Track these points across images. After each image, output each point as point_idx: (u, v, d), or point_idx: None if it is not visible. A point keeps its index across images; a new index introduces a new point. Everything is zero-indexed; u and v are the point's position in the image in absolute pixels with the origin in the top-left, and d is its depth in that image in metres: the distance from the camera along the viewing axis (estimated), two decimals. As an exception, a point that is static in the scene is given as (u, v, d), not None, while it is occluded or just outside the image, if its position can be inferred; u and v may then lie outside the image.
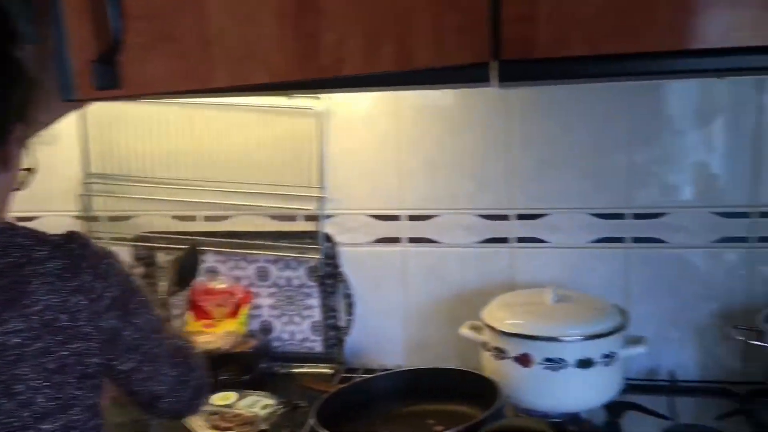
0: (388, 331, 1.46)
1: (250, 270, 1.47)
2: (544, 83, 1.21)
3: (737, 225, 1.31)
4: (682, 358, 1.36)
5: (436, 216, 1.41)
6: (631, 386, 1.32)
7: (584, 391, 1.16)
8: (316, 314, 1.46)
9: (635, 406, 1.22)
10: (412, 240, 1.43)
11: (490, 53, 0.97)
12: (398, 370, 1.21)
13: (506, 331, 1.16)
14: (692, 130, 1.30)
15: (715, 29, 0.90)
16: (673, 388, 1.30)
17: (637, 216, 1.34)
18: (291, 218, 1.45)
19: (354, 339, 1.47)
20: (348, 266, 1.45)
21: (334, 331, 1.47)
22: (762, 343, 1.15)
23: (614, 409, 1.22)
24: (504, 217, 1.39)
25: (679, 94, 1.29)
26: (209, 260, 1.47)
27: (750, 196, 1.29)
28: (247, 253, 1.46)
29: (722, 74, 1.11)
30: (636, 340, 1.21)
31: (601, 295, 1.34)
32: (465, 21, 0.92)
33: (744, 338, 1.15)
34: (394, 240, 1.43)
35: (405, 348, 1.46)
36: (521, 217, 1.38)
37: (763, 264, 1.31)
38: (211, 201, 1.45)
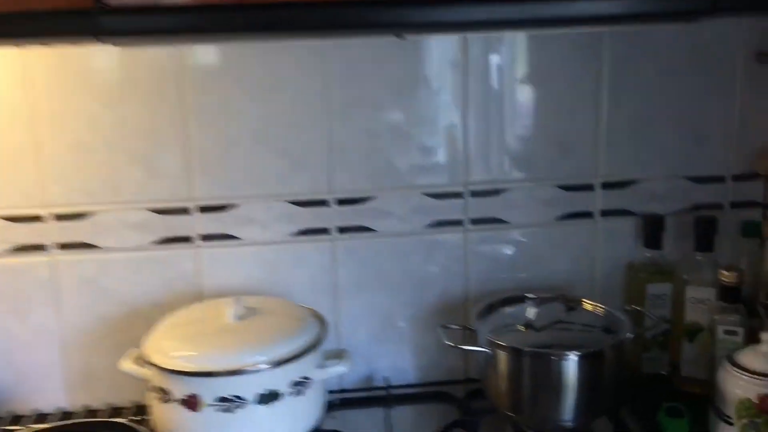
0: (40, 365, 1.12)
1: None
2: (162, 39, 0.94)
3: (450, 207, 1.15)
4: (399, 361, 1.20)
5: (92, 213, 1.09)
6: (345, 400, 1.15)
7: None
8: (-67, 354, 1.09)
9: (339, 434, 1.03)
10: (63, 246, 1.09)
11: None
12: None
13: (166, 367, 0.89)
14: (395, 103, 1.11)
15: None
16: (388, 397, 1.13)
17: (342, 202, 1.13)
18: None
19: (-8, 381, 1.12)
20: (-27, 287, 1.09)
21: (-40, 375, 1.10)
22: (473, 348, 1.00)
23: (318, 437, 1.02)
24: (184, 211, 1.11)
25: (376, 61, 1.09)
26: None
27: (461, 174, 1.14)
28: None
29: (401, 30, 0.91)
30: (337, 355, 1.01)
31: (306, 296, 1.13)
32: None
33: (453, 344, 0.99)
34: (38, 247, 1.09)
35: (66, 384, 1.14)
36: (205, 209, 1.11)
37: (479, 248, 1.17)
38: None
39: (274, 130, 1.10)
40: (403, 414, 1.12)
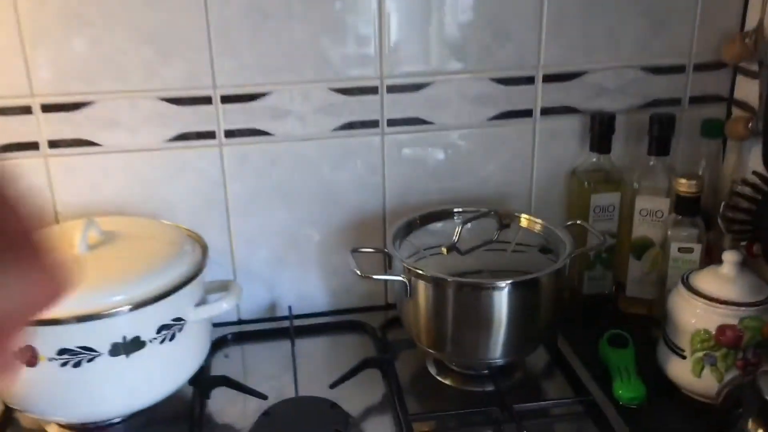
0: None
1: None
2: None
3: (364, 105, 0.95)
4: (306, 287, 1.02)
5: None
6: (242, 334, 0.98)
7: (131, 388, 0.74)
8: None
9: (226, 380, 0.85)
10: None
11: None
12: None
13: (-12, 315, 0.69)
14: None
15: None
16: (293, 329, 0.96)
17: (228, 99, 0.92)
18: None
19: None
20: None
21: None
22: (387, 277, 0.83)
23: (202, 385, 0.85)
24: (24, 110, 0.88)
25: None
26: None
27: (377, 65, 0.94)
28: None
29: None
30: (222, 287, 0.83)
31: (189, 215, 0.94)
32: None
33: (362, 273, 0.81)
34: None
35: None
36: (50, 108, 0.88)
37: (399, 154, 0.98)
38: None
39: (133, 4, 0.86)
40: (309, 349, 0.96)
